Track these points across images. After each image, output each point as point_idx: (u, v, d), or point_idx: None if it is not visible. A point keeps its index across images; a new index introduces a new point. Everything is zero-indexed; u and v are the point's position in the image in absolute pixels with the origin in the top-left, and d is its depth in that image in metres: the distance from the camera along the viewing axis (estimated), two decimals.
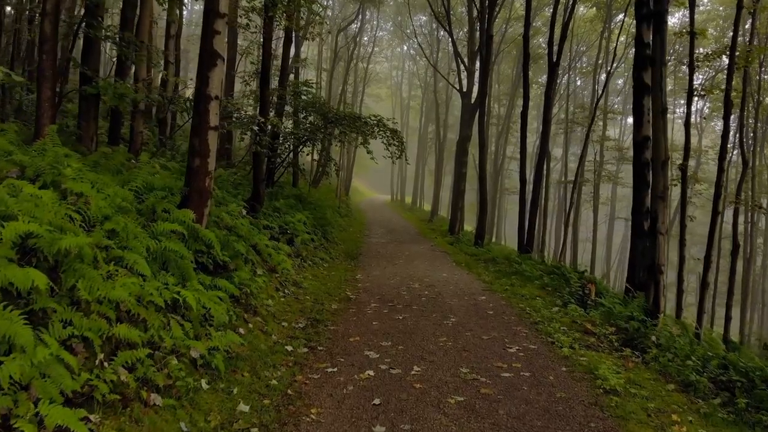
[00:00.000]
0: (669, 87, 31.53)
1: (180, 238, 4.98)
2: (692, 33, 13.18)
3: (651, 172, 10.02)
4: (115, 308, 3.41)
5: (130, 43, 7.55)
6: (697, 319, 10.63)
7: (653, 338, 6.11)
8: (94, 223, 4.08)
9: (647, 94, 9.96)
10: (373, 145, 14.73)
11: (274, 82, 16.02)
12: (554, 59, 15.94)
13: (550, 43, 16.05)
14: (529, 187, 15.86)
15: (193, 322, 4.28)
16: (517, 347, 5.58)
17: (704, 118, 28.37)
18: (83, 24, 7.19)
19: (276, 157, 14.17)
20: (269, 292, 6.84)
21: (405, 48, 49.34)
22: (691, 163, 31.06)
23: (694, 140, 35.89)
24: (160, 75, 11.93)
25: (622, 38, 29.40)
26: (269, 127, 9.20)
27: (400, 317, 6.78)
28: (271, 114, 13.30)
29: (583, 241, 30.06)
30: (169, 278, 4.21)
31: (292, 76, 20.30)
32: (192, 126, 5.27)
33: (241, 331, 5.10)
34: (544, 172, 16.74)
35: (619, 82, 38.45)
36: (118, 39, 7.34)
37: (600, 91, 17.05)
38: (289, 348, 5.22)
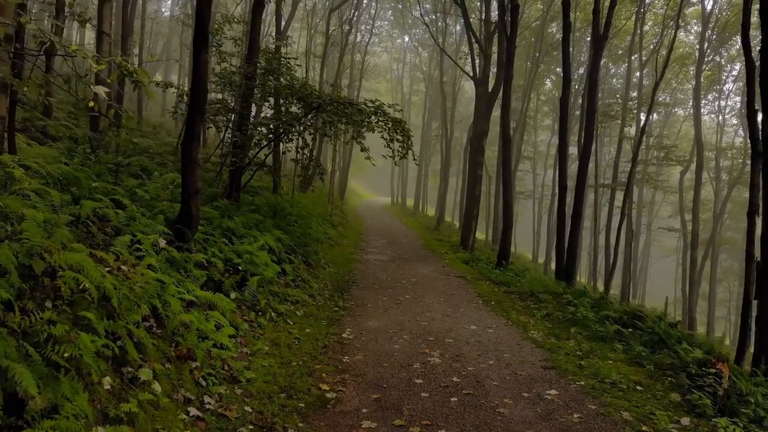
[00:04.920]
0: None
1: None
2: None
3: None
4: None
5: None
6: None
7: None
8: None
9: None
10: (372, 139, 11.27)
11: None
12: (601, 31, 12.56)
13: (595, 12, 12.67)
14: (570, 199, 12.51)
15: None
16: None
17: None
18: None
19: (243, 156, 10.74)
20: (158, 424, 3.42)
21: (407, 39, 46.01)
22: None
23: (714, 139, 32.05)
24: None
25: (649, 26, 26.03)
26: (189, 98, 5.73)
27: None
28: (225, 94, 9.83)
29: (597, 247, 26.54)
30: None
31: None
32: None
33: None
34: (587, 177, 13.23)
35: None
36: None
37: (658, 76, 13.59)
38: None
